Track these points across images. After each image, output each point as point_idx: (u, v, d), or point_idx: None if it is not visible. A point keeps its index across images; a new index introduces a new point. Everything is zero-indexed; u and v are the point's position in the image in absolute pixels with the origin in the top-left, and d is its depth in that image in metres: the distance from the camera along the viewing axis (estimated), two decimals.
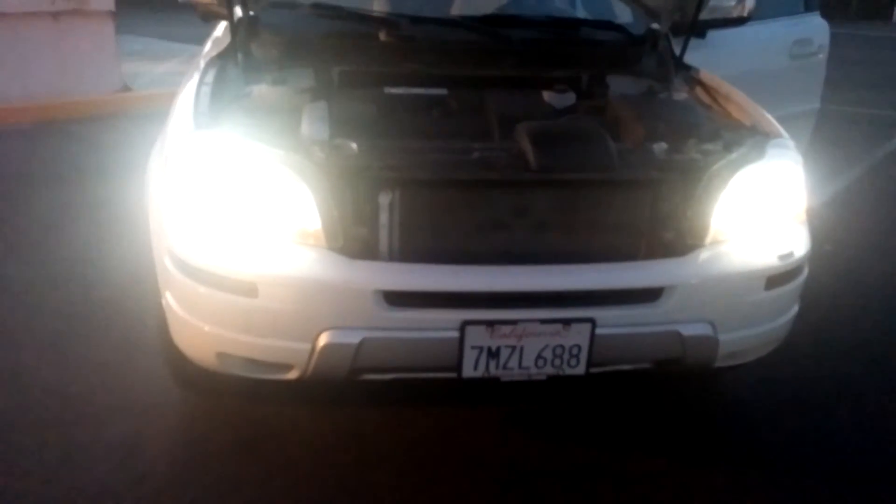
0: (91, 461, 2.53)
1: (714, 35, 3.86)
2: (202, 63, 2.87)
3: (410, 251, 2.23)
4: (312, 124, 2.45)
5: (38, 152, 6.20)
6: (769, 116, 2.85)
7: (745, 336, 2.43)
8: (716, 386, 3.13)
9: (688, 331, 2.30)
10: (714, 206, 2.34)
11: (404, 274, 2.17)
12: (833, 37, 4.63)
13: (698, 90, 3.16)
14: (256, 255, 2.13)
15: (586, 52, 3.16)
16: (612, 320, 2.23)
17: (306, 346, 2.15)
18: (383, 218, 2.20)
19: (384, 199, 2.20)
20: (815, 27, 4.32)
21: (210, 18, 3.17)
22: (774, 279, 2.40)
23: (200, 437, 2.68)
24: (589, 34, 3.27)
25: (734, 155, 2.41)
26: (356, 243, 2.18)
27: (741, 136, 2.59)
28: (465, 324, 2.15)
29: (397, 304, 2.15)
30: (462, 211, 2.25)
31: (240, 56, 2.86)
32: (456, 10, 3.86)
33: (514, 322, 2.17)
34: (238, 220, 2.17)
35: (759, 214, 2.43)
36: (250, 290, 2.12)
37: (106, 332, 3.28)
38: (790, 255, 2.42)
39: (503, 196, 2.27)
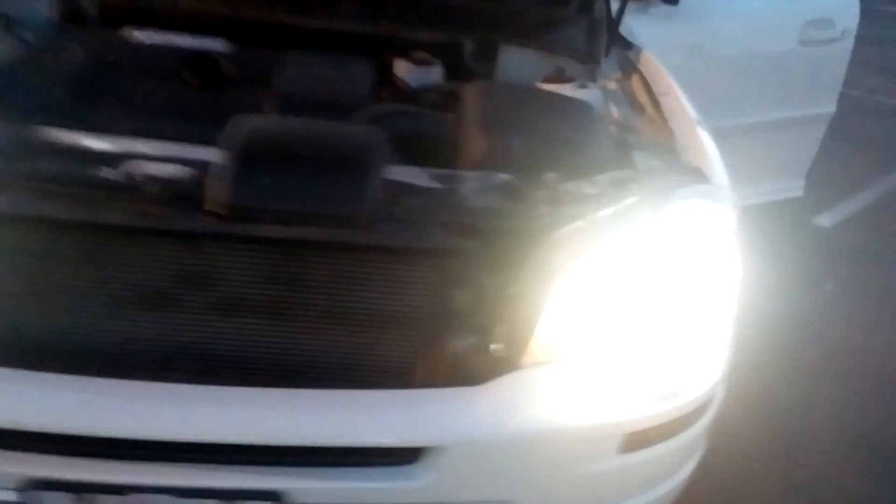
0: None
1: (692, 2, 2.81)
2: None
3: None
4: None
5: None
6: (708, 140, 1.83)
7: None
8: None
9: None
10: (550, 297, 1.34)
11: None
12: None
13: (634, 81, 2.11)
14: None
15: (478, 8, 2.14)
16: (318, 496, 1.25)
17: None
18: None
19: None
20: (840, 4, 3.18)
21: None
22: (641, 437, 1.39)
23: None
24: None
25: (606, 211, 1.40)
26: None
27: (649, 171, 1.57)
28: (35, 485, 1.18)
29: None
30: (68, 274, 1.26)
31: None
32: None
33: (123, 490, 1.20)
34: None
35: (632, 317, 1.41)
36: None
37: None
38: (674, 395, 1.41)
39: (154, 254, 1.28)
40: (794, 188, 3.55)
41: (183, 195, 1.25)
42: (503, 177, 1.46)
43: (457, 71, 2.05)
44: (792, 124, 3.29)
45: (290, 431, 1.22)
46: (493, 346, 1.33)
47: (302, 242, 1.28)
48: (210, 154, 1.31)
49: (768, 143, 3.26)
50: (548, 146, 1.61)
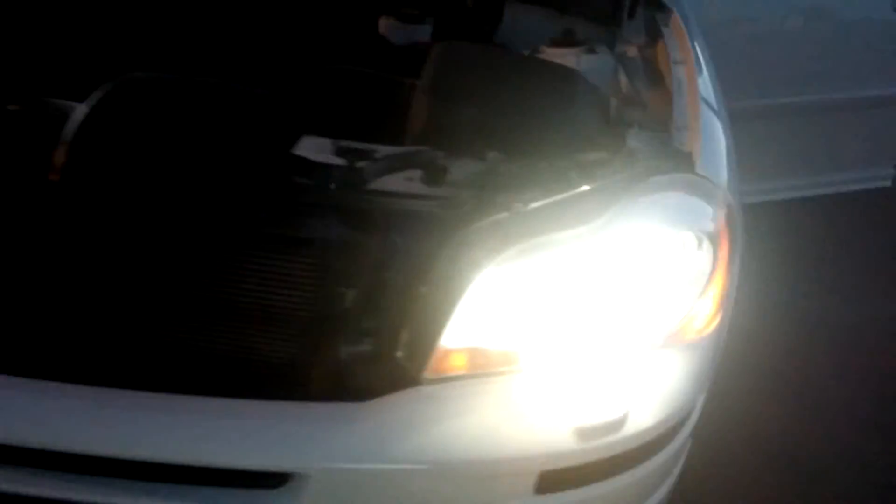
0: None
1: None
2: None
3: None
4: None
5: None
6: (714, 122, 1.54)
7: None
8: None
9: None
10: (459, 301, 1.11)
11: None
12: None
13: (659, 48, 1.83)
14: None
15: None
16: None
17: None
18: None
19: None
20: None
21: None
22: (566, 475, 1.15)
23: None
24: None
25: (542, 202, 1.16)
26: None
27: (628, 155, 1.31)
28: None
29: None
30: None
31: None
32: None
33: None
34: None
35: (563, 330, 1.17)
36: None
37: None
38: (619, 423, 1.16)
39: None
40: (882, 177, 3.13)
41: (29, 156, 1.10)
42: (430, 154, 1.24)
43: (453, 30, 1.83)
44: (881, 103, 2.87)
45: (120, 441, 1.05)
46: (385, 357, 1.12)
47: (153, 221, 1.10)
48: (76, 111, 1.15)
49: (854, 123, 2.87)
50: (504, 120, 1.37)
